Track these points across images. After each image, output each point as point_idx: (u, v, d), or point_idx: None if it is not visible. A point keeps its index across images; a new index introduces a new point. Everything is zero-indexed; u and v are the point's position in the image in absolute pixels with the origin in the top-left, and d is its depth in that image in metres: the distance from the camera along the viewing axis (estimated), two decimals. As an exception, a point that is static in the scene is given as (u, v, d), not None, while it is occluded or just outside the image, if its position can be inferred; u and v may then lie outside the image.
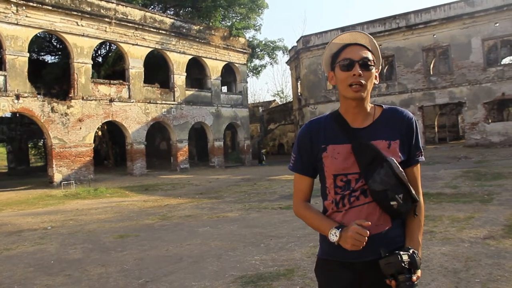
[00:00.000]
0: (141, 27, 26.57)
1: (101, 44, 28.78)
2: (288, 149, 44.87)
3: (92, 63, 24.74)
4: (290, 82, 45.65)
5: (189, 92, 30.20)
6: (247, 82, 35.59)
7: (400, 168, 1.92)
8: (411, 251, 1.84)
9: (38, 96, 21.91)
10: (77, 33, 23.43)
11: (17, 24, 20.97)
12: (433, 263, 5.46)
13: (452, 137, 39.18)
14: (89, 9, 23.80)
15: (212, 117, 31.46)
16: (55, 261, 7.04)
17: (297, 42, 36.02)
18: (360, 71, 1.92)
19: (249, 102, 38.64)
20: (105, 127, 29.29)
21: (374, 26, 31.22)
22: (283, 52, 42.69)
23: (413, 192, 1.95)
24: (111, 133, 32.07)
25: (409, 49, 29.99)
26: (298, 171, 2.12)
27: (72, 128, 22.93)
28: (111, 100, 24.86)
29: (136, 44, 26.46)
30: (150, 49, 27.52)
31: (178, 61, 29.14)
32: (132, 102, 26.03)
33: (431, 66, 31.54)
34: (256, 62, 43.26)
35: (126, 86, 25.97)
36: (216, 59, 32.06)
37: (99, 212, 12.51)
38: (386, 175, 1.89)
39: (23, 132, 36.03)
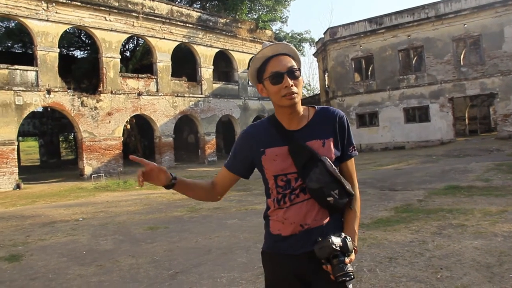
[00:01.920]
0: (168, 21, 26.73)
1: (128, 39, 29.11)
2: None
3: (120, 57, 25.04)
4: (317, 74, 45.33)
5: (216, 85, 30.30)
6: (274, 75, 35.42)
7: (334, 166, 2.03)
8: (343, 235, 1.94)
9: (68, 90, 22.29)
10: (106, 28, 23.73)
11: (47, 20, 21.36)
12: (465, 257, 5.36)
13: (483, 129, 38.27)
14: (116, 4, 24.06)
15: (239, 110, 31.51)
16: (87, 252, 7.16)
17: (324, 34, 35.65)
18: (290, 82, 2.01)
19: (275, 95, 38.50)
20: (134, 120, 29.62)
21: (403, 16, 30.69)
22: (310, 44, 42.35)
23: (348, 187, 2.06)
24: (140, 127, 32.41)
25: (438, 40, 29.35)
26: (226, 166, 2.27)
27: (101, 122, 23.28)
28: (140, 94, 25.13)
29: (164, 38, 26.64)
30: (177, 43, 27.68)
31: (205, 54, 29.24)
32: (160, 95, 26.25)
33: (462, 56, 30.79)
34: (283, 54, 43.06)
35: (154, 80, 26.21)
36: (243, 51, 32.07)
37: (129, 204, 12.67)
38: (321, 173, 2.00)
39: (54, 126, 36.76)
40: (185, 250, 6.94)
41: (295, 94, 2.02)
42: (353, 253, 1.95)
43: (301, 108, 2.12)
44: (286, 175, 2.07)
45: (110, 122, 23.67)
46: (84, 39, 35.47)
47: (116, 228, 9.17)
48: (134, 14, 24.78)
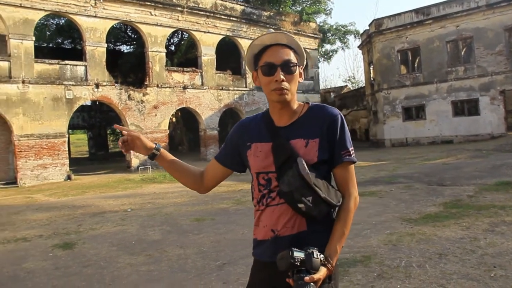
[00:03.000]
0: (212, 14, 26.88)
1: (173, 33, 29.44)
2: (360, 135, 44.02)
3: (165, 51, 25.36)
4: (362, 67, 44.64)
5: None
6: (318, 68, 35.15)
7: (307, 170, 1.81)
8: (310, 250, 1.73)
9: (116, 84, 22.79)
10: (151, 22, 24.09)
11: (95, 16, 21.88)
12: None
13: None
14: (162, -1, 24.41)
15: (283, 103, 31.38)
16: (136, 242, 7.33)
17: (369, 25, 35.06)
18: (282, 76, 1.87)
19: (320, 88, 38.18)
20: (179, 113, 30.06)
21: (451, 6, 29.75)
22: (355, 37, 41.86)
23: (324, 195, 1.83)
24: (185, 120, 32.84)
25: (489, 30, 28.31)
26: (216, 158, 2.17)
27: (147, 115, 23.72)
28: (185, 87, 25.43)
29: (208, 32, 26.82)
30: (221, 36, 27.81)
31: (249, 48, 29.23)
32: (205, 89, 26.48)
33: (514, 46, 29.73)
34: (327, 47, 42.71)
35: (199, 73, 26.45)
36: (287, 44, 31.86)
37: (175, 196, 12.87)
38: (292, 176, 1.82)
39: (102, 119, 37.73)
40: (232, 242, 7.00)
41: (286, 91, 1.89)
42: (322, 272, 1.74)
43: (294, 105, 1.98)
44: (267, 173, 1.94)
45: (156, 115, 24.09)
46: (130, 34, 36.15)
47: (164, 219, 9.34)
48: (178, 8, 25.04)
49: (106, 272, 5.67)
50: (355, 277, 4.89)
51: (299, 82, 1.96)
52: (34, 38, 20.40)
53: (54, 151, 20.29)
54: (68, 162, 21.00)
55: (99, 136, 39.34)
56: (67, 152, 21.28)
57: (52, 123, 20.36)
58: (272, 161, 1.92)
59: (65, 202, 12.21)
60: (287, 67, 1.88)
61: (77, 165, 27.30)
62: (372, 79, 36.11)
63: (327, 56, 43.47)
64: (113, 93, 22.58)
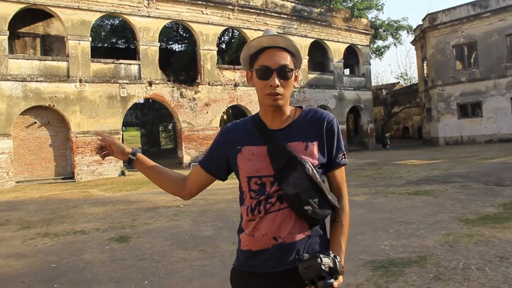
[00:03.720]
0: (262, 12, 26.91)
1: (224, 31, 29.62)
2: (413, 133, 43.10)
3: (217, 49, 25.63)
4: (415, 63, 43.65)
5: (311, 76, 30.11)
6: (370, 64, 34.56)
7: (315, 171, 1.81)
8: (332, 255, 1.70)
9: (168, 82, 23.22)
10: (202, 21, 24.37)
11: (148, 16, 22.37)
12: None
13: None
14: (213, -3, 24.64)
15: (334, 100, 31.10)
16: (189, 237, 7.43)
17: (422, 20, 34.19)
18: (277, 82, 1.83)
19: (372, 85, 37.57)
20: (230, 111, 30.20)
21: (511, -2, 28.62)
22: (407, 32, 40.98)
23: (329, 197, 1.84)
24: (236, 117, 32.96)
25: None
26: (200, 164, 2.08)
27: (199, 112, 24.04)
28: (236, 85, 25.60)
29: (259, 30, 26.83)
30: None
31: (300, 45, 28.75)
32: (256, 86, 26.48)
33: None
34: (379, 43, 41.97)
35: (250, 71, 26.49)
36: (338, 41, 31.54)
37: (227, 192, 12.95)
38: (299, 177, 1.78)
39: (154, 116, 38.54)
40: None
41: (280, 96, 1.85)
42: (341, 275, 1.71)
43: (287, 109, 1.96)
44: (260, 178, 1.87)
45: (207, 112, 24.37)
46: (181, 33, 36.68)
47: (216, 215, 9.42)
48: (229, 7, 25.21)
49: (161, 266, 5.77)
50: (411, 277, 4.77)
51: (294, 86, 1.94)
52: (90, 39, 21.10)
53: (109, 148, 20.84)
54: (122, 159, 21.51)
55: (152, 133, 40.23)
56: (121, 148, 21.80)
57: (107, 121, 20.98)
58: (268, 165, 1.86)
59: (119, 197, 12.53)
60: (283, 72, 1.85)
61: (131, 161, 27.98)
62: (425, 75, 35.23)
63: (379, 52, 42.71)
64: (165, 91, 23.01)
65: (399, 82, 55.51)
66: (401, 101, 45.30)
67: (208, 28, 24.68)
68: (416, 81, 42.76)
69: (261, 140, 1.90)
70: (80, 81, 20.26)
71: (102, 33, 34.69)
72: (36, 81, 19.25)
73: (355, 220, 8.21)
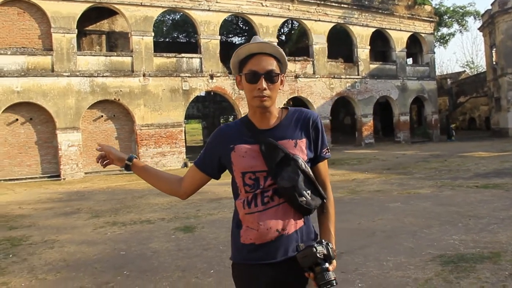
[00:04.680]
0: (322, 2, 26.54)
1: (284, 23, 29.47)
2: (480, 124, 41.35)
3: (277, 41, 25.50)
4: (483, 51, 41.85)
5: (373, 66, 29.45)
6: (434, 53, 33.35)
7: (306, 166, 2.00)
8: (325, 243, 1.86)
9: (229, 75, 23.36)
10: (262, 13, 24.35)
11: (209, 10, 22.61)
12: None
13: None
14: (272, -12, 24.55)
15: (397, 91, 30.29)
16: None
17: (491, 4, 32.66)
18: (265, 85, 1.98)
19: (436, 74, 36.29)
20: (291, 102, 30.08)
21: None
22: (474, 18, 39.07)
23: (320, 188, 2.03)
24: (296, 109, 32.90)
25: None
26: (195, 164, 2.21)
27: (260, 105, 24.04)
28: (296, 77, 25.44)
29: (319, 20, 26.54)
30: (332, 24, 27.36)
31: (361, 34, 28.53)
32: (317, 77, 26.31)
33: None
34: (444, 30, 40.33)
35: (310, 62, 26.32)
36: (400, 30, 30.63)
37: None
38: (293, 172, 1.95)
39: (215, 109, 39.01)
40: (348, 231, 6.90)
41: (267, 98, 2.00)
42: (334, 259, 1.87)
43: (274, 110, 2.10)
44: (254, 173, 2.01)
45: (268, 104, 24.34)
46: (241, 25, 36.88)
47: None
48: (289, -2, 25.10)
49: (225, 256, 5.79)
50: (483, 274, 4.59)
51: (279, 89, 2.09)
52: (153, 34, 21.59)
53: (172, 140, 21.35)
54: (184, 150, 22.03)
55: (213, 126, 40.66)
56: (183, 140, 22.29)
57: (170, 113, 21.43)
58: (261, 161, 2.00)
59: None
60: (270, 76, 2.00)
61: (193, 153, 28.42)
62: (494, 63, 33.67)
63: (444, 40, 41.07)
64: (226, 84, 23.20)
65: (465, 71, 53.34)
66: (467, 91, 43.55)
67: (268, 20, 24.63)
68: (484, 70, 41.02)
69: (252, 139, 2.05)
70: (144, 75, 20.79)
71: (164, 28, 35.45)
72: (103, 76, 19.96)
73: (421, 213, 8.02)
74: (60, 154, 18.93)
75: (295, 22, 31.34)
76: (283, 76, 2.10)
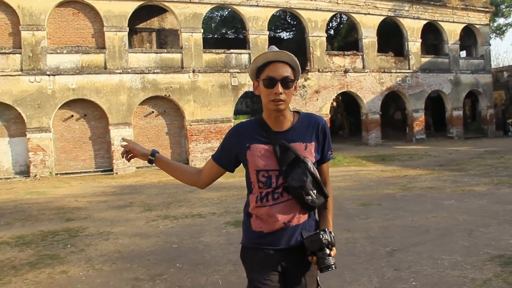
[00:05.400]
0: (372, -5, 26.11)
1: (332, 17, 29.11)
2: (539, 119, 39.62)
3: (326, 36, 25.28)
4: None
5: (424, 59, 28.66)
6: (489, 45, 32.14)
7: (314, 168, 2.24)
8: (328, 231, 2.15)
9: (278, 70, 23.34)
10: (311, 8, 24.18)
11: (257, 5, 22.65)
12: None
13: None
14: (322, -18, 24.31)
15: (450, 85, 29.41)
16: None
17: (552, -6, 31.22)
18: (281, 90, 2.18)
19: (492, 67, 34.98)
20: (340, 97, 29.79)
21: None
22: (535, 6, 37.51)
23: (324, 189, 2.27)
24: (346, 104, 32.48)
25: None
26: (213, 158, 2.44)
27: (309, 100, 23.96)
28: (346, 71, 25.14)
29: (368, 14, 26.10)
30: (382, 17, 26.82)
31: (412, 27, 27.83)
32: (366, 72, 25.90)
33: None
34: (500, 21, 38.78)
35: (360, 57, 25.94)
36: (453, 21, 29.66)
37: (339, 180, 12.81)
38: (303, 173, 2.19)
39: (260, 105, 39.04)
40: (401, 228, 6.81)
41: (282, 102, 2.20)
42: (334, 246, 2.15)
43: (288, 113, 2.30)
44: (267, 171, 2.23)
45: (317, 99, 24.22)
46: (289, 20, 36.74)
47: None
48: (339, -9, 24.79)
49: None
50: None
51: (293, 94, 2.32)
52: (202, 30, 21.80)
53: (222, 135, 21.50)
54: (232, 146, 22.12)
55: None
56: (231, 136, 22.41)
57: (219, 109, 21.63)
58: (273, 161, 2.23)
59: (233, 183, 12.82)
60: (285, 82, 2.21)
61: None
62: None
63: (500, 31, 39.52)
64: (276, 80, 23.15)
65: (523, 64, 51.26)
66: (525, 84, 41.80)
67: (316, 14, 24.43)
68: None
69: (267, 140, 2.26)
70: (193, 71, 21.05)
71: (213, 24, 35.76)
72: (153, 73, 20.35)
73: (477, 211, 7.81)
74: (112, 149, 19.47)
75: (344, 16, 30.96)
76: (296, 83, 2.31)
